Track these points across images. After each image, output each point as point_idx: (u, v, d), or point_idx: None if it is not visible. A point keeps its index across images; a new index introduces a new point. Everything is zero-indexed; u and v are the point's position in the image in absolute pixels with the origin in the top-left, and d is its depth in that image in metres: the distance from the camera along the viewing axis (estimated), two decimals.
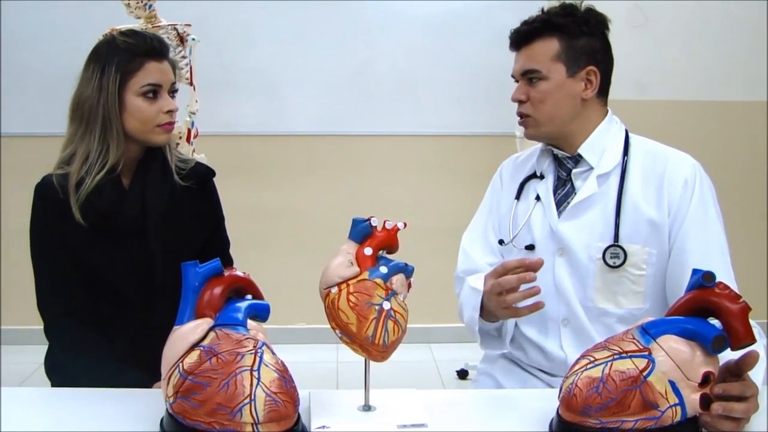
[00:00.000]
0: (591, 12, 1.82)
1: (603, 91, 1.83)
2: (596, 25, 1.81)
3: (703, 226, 1.73)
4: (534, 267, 1.60)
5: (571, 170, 1.83)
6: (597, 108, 1.84)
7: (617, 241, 1.75)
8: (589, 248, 1.78)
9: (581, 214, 1.79)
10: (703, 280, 1.29)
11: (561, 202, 1.83)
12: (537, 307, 1.63)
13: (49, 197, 1.82)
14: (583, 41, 1.79)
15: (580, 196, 1.80)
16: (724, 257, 1.73)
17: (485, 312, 1.75)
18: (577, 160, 1.83)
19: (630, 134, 1.85)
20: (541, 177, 1.88)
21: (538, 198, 1.86)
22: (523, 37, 1.81)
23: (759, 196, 4.01)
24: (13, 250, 3.80)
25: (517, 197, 1.90)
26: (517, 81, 1.85)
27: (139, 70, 1.81)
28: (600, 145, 1.81)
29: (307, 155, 4.11)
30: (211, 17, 3.82)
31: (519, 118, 1.85)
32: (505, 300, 1.63)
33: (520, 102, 1.82)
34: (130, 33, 1.87)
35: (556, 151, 1.85)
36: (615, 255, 1.75)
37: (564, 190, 1.84)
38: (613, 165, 1.79)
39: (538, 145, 1.93)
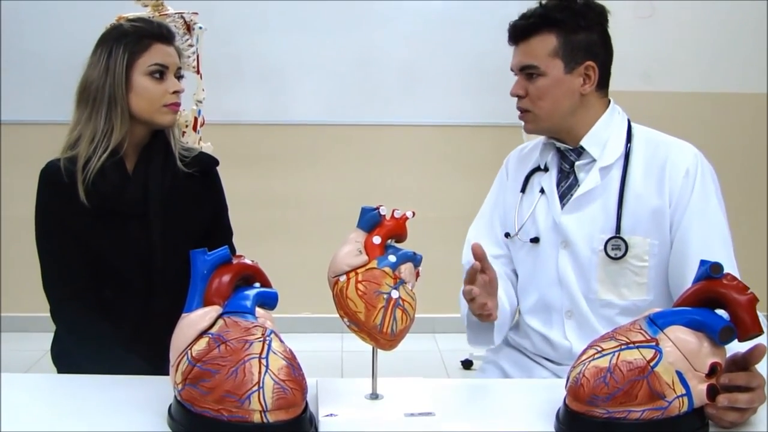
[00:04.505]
0: (589, 5, 1.80)
1: (602, 84, 1.82)
2: (594, 18, 1.79)
3: (704, 217, 1.72)
4: (476, 255, 1.64)
5: (573, 162, 1.83)
6: (597, 100, 1.82)
7: (619, 233, 1.75)
8: (591, 240, 1.78)
9: (583, 207, 1.79)
10: (711, 272, 1.30)
11: (564, 195, 1.83)
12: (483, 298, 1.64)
13: (53, 181, 1.83)
14: (581, 36, 1.77)
15: (583, 188, 1.80)
16: (727, 247, 1.72)
17: None
18: (580, 152, 1.82)
19: (632, 123, 1.84)
20: (546, 170, 1.87)
21: (542, 191, 1.86)
22: (520, 32, 1.80)
23: (759, 187, 4.00)
24: (16, 237, 3.81)
25: (523, 190, 1.90)
26: (516, 75, 1.84)
27: (147, 50, 1.84)
28: (602, 137, 1.81)
29: (314, 145, 4.11)
30: (218, 6, 3.81)
31: (519, 112, 1.85)
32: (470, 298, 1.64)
33: (519, 97, 1.82)
34: (138, 19, 1.90)
35: (558, 144, 1.85)
36: (616, 247, 1.74)
37: (567, 183, 1.84)
38: (616, 157, 1.78)
39: (541, 137, 1.92)
